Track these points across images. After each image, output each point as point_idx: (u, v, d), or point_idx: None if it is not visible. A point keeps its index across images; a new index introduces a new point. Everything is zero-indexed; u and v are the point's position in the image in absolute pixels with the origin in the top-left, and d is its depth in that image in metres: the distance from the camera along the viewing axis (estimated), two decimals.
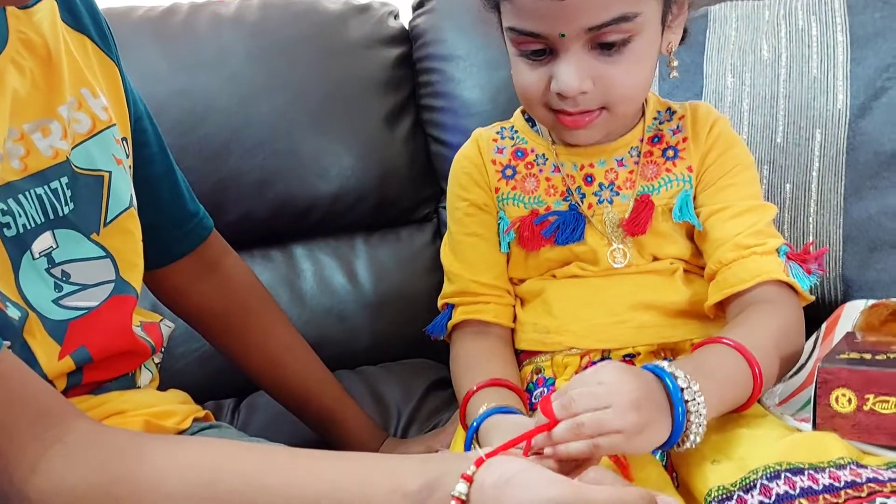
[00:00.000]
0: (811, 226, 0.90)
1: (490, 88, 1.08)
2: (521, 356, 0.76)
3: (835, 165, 0.89)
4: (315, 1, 1.12)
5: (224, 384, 0.99)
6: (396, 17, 1.17)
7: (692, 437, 0.55)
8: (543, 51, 0.66)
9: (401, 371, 1.02)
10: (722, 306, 0.70)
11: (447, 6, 1.12)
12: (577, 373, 0.70)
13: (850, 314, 0.76)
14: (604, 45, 0.64)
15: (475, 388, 0.68)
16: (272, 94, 1.04)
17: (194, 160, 0.98)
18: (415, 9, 1.17)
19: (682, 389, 0.54)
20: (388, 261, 1.11)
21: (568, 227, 0.72)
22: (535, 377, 0.73)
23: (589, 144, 0.74)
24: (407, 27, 1.17)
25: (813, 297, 0.70)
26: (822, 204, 0.90)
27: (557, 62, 0.65)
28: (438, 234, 1.14)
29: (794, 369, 0.68)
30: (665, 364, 0.56)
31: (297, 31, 1.08)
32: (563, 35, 0.63)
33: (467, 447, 0.63)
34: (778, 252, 0.69)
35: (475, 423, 0.63)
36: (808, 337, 0.76)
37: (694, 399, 0.55)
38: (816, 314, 0.82)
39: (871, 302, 0.75)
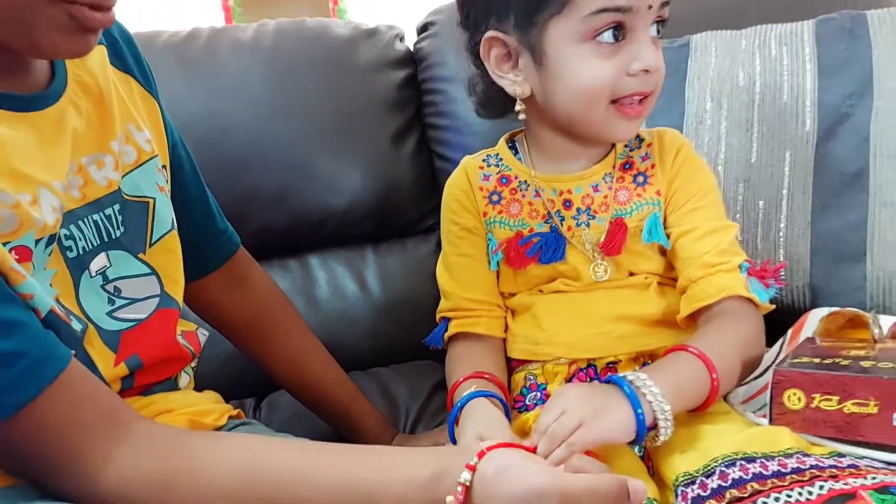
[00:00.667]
0: (781, 239, 0.96)
1: None
2: (513, 363, 0.84)
3: (803, 184, 0.96)
4: (326, 26, 1.19)
5: (245, 384, 1.05)
6: (402, 39, 1.23)
7: (662, 426, 0.63)
8: (615, 37, 0.70)
9: (408, 372, 1.08)
10: (693, 317, 0.77)
11: (450, 30, 1.17)
12: (566, 379, 0.78)
13: (813, 321, 0.83)
14: (658, 26, 0.71)
15: (461, 380, 0.75)
16: (287, 115, 1.11)
17: (216, 177, 0.99)
18: (419, 32, 1.24)
19: (629, 382, 0.63)
20: (395, 269, 1.17)
21: (550, 247, 0.79)
22: (528, 382, 0.81)
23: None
24: (412, 49, 1.23)
25: (773, 307, 0.77)
26: (792, 219, 0.96)
27: (633, 43, 0.71)
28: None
29: (759, 372, 0.76)
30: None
31: (309, 55, 1.14)
32: (650, 6, 0.70)
33: (450, 429, 0.70)
34: (740, 268, 0.76)
35: (458, 405, 0.71)
36: (776, 341, 0.85)
37: (645, 385, 0.63)
38: (786, 319, 0.89)
39: (831, 310, 0.83)
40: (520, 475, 0.52)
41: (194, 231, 0.81)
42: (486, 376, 0.77)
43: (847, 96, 0.96)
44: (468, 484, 0.53)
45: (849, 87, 0.96)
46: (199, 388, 0.80)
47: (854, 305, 0.89)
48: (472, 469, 0.53)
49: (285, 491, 0.56)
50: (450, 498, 0.53)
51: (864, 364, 0.63)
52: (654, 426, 0.64)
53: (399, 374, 1.08)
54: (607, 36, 0.71)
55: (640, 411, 0.62)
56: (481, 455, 0.54)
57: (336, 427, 0.92)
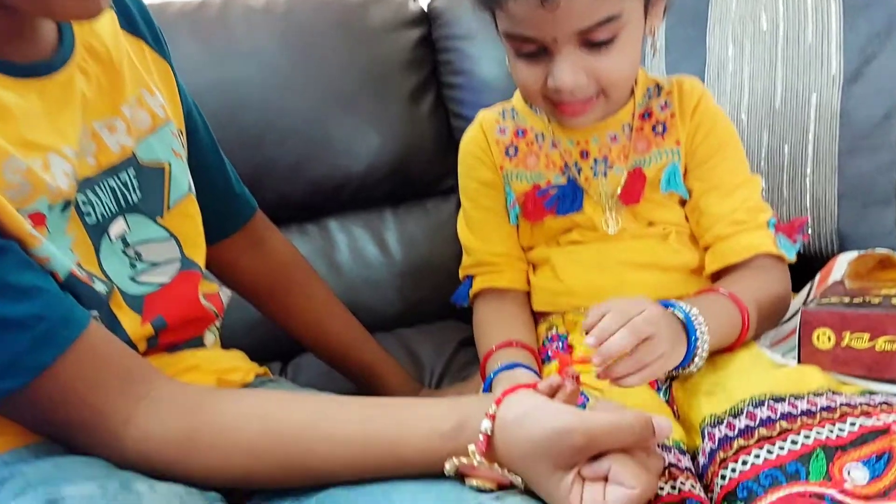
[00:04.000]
0: (808, 185, 0.95)
1: (506, 64, 1.13)
2: (536, 316, 0.84)
3: (830, 128, 0.94)
4: None
5: (270, 349, 1.04)
6: None
7: (698, 358, 0.63)
8: (538, 51, 0.70)
9: (432, 331, 1.09)
10: (717, 273, 0.77)
11: None
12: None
13: (842, 264, 0.82)
14: (593, 42, 0.69)
15: (493, 349, 0.76)
16: (302, 81, 1.10)
17: (233, 147, 0.98)
18: None
19: (691, 318, 0.63)
20: (415, 230, 1.17)
21: (567, 198, 0.79)
22: (549, 333, 0.81)
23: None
24: (425, 9, 1.21)
25: (795, 259, 0.78)
26: (819, 164, 0.94)
27: (552, 61, 0.69)
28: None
29: (788, 316, 0.75)
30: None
31: (322, 20, 1.13)
32: (555, 39, 0.68)
33: None
34: (768, 224, 0.76)
35: (490, 377, 0.71)
36: (803, 287, 0.84)
37: (700, 326, 0.63)
38: (812, 266, 0.88)
39: (860, 252, 0.81)
40: (541, 417, 0.51)
41: (212, 196, 0.80)
42: (516, 344, 0.76)
43: (874, 36, 0.93)
44: (489, 433, 0.52)
45: (875, 26, 0.93)
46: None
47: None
48: (492, 418, 0.53)
49: (306, 445, 0.56)
50: (472, 447, 0.52)
51: None
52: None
53: (423, 333, 1.09)
54: (527, 50, 0.71)
55: (693, 338, 0.62)
56: (498, 402, 0.53)
57: (361, 386, 0.93)
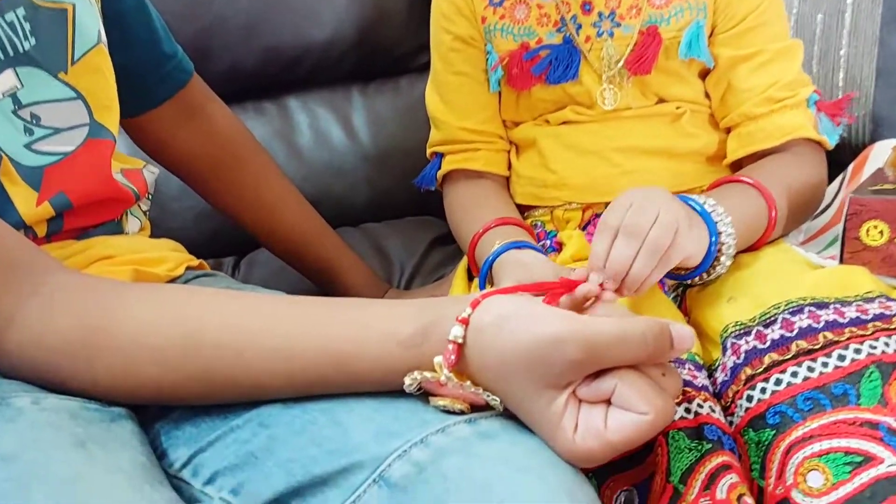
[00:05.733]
0: (842, 59, 0.85)
1: None
2: (518, 209, 0.73)
3: None
4: None
5: (223, 243, 0.97)
6: None
7: (724, 257, 0.55)
8: None
9: (403, 227, 1.01)
10: (740, 161, 0.67)
11: None
12: (579, 226, 0.68)
13: (880, 154, 0.72)
14: None
15: (482, 230, 0.65)
16: None
17: (175, 4, 0.91)
18: None
19: (708, 211, 0.54)
20: (386, 112, 1.07)
21: (561, 63, 0.67)
22: (535, 231, 0.70)
23: None
24: None
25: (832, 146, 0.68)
26: (856, 35, 0.84)
27: None
28: None
29: (820, 209, 0.65)
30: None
31: None
32: None
33: (481, 286, 0.62)
34: (808, 102, 0.65)
35: (489, 259, 0.61)
36: (833, 179, 0.73)
37: (716, 211, 0.55)
38: (842, 157, 0.78)
39: None
40: (527, 322, 0.40)
41: (134, 52, 0.69)
42: (513, 221, 0.66)
43: None
44: (460, 341, 0.41)
45: None
46: None
47: None
48: (465, 322, 0.42)
49: (232, 353, 0.45)
50: (438, 359, 0.42)
51: None
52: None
53: (393, 229, 1.01)
54: None
55: (714, 238, 0.54)
56: (475, 304, 0.42)
57: (319, 283, 0.85)
